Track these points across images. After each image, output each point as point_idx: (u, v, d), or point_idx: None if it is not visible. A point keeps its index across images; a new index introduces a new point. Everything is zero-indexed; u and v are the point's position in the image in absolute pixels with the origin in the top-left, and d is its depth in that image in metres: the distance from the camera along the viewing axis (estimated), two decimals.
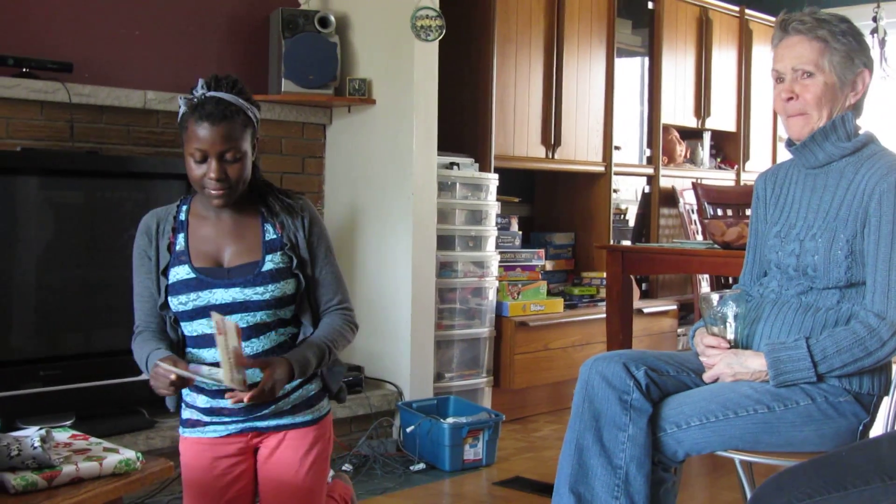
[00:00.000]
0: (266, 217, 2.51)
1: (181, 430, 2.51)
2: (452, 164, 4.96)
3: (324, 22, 4.65)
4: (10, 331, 3.69)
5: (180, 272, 2.43)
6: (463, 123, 5.27)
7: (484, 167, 5.17)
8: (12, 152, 3.79)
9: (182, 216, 2.51)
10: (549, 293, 5.49)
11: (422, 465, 4.28)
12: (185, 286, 2.42)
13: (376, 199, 4.74)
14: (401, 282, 4.62)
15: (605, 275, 4.55)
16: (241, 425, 2.46)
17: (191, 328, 2.45)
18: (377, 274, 4.73)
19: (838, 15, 2.59)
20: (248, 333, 2.40)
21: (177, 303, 2.42)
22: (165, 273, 2.45)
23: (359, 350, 4.76)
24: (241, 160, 2.37)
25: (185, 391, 2.47)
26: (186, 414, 2.50)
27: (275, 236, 2.48)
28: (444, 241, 4.84)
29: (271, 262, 2.44)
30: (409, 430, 4.38)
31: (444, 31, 4.63)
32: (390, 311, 4.67)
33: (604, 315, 4.52)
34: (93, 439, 2.06)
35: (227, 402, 2.38)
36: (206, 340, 2.41)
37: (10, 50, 3.90)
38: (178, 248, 2.47)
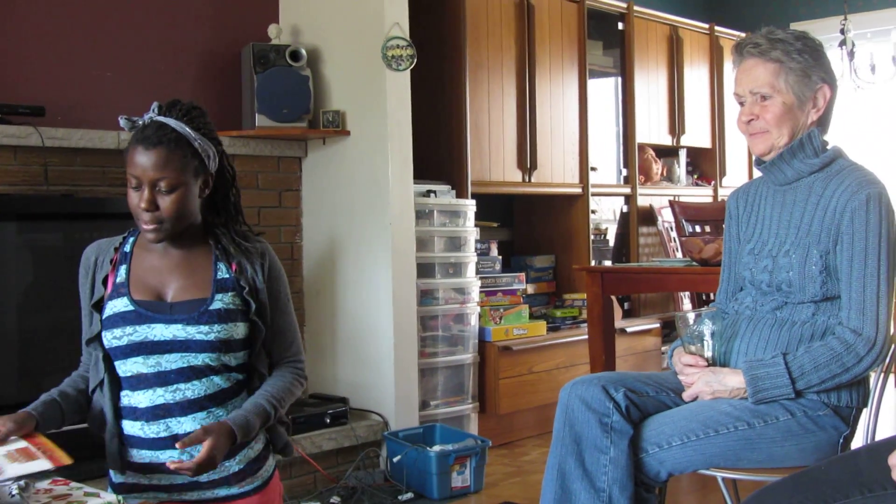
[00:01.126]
0: (219, 256, 2.33)
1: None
2: (429, 191, 4.97)
3: (295, 56, 4.67)
4: None
5: (118, 305, 2.26)
6: (438, 150, 5.29)
7: (461, 193, 5.19)
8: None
9: (127, 247, 2.35)
10: (532, 316, 5.51)
11: (410, 495, 4.27)
12: (121, 319, 2.24)
13: (355, 229, 4.75)
14: (382, 311, 4.62)
15: (586, 296, 4.57)
16: (182, 495, 2.27)
17: (125, 367, 2.26)
18: (358, 304, 4.73)
19: (796, 32, 2.62)
20: (187, 375, 2.22)
21: (111, 337, 2.24)
22: (99, 307, 2.29)
23: (343, 381, 4.77)
24: (178, 192, 2.20)
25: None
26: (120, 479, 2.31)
27: (227, 276, 2.30)
28: (424, 269, 4.84)
29: (220, 302, 2.26)
30: (395, 459, 4.37)
31: (415, 60, 4.65)
32: (373, 341, 4.67)
33: (587, 336, 4.53)
34: (73, 484, 2.06)
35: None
36: (142, 381, 2.24)
37: None
38: (118, 279, 2.31)
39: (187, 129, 2.22)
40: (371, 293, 4.67)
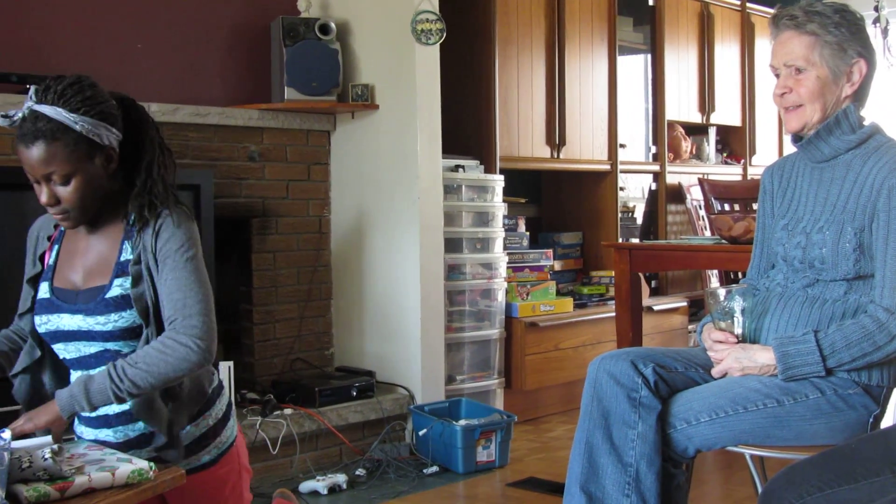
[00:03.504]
0: (128, 234, 2.19)
1: None
2: (458, 166, 4.96)
3: (324, 29, 4.66)
4: None
5: (43, 289, 2.22)
6: (467, 125, 5.27)
7: (489, 169, 5.17)
8: (20, 168, 3.79)
9: (63, 226, 2.26)
10: (559, 293, 5.49)
11: (435, 468, 4.28)
12: (41, 306, 2.21)
13: (383, 203, 4.75)
14: (409, 285, 4.63)
15: (613, 273, 4.54)
16: None
17: (56, 351, 2.23)
18: (386, 278, 4.74)
19: (836, 5, 2.58)
20: (106, 358, 2.14)
21: (38, 323, 2.20)
22: (33, 284, 2.26)
23: (369, 355, 4.78)
24: (75, 181, 2.08)
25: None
26: None
27: (130, 256, 2.16)
28: (452, 244, 4.84)
29: (119, 288, 2.14)
30: (421, 433, 4.38)
31: (444, 35, 4.63)
32: (400, 315, 4.68)
33: (614, 314, 4.52)
34: (107, 450, 2.06)
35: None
36: (70, 364, 2.20)
37: (12, 67, 3.91)
38: (50, 260, 2.26)
39: (63, 113, 2.05)
40: (399, 267, 4.67)
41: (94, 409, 2.07)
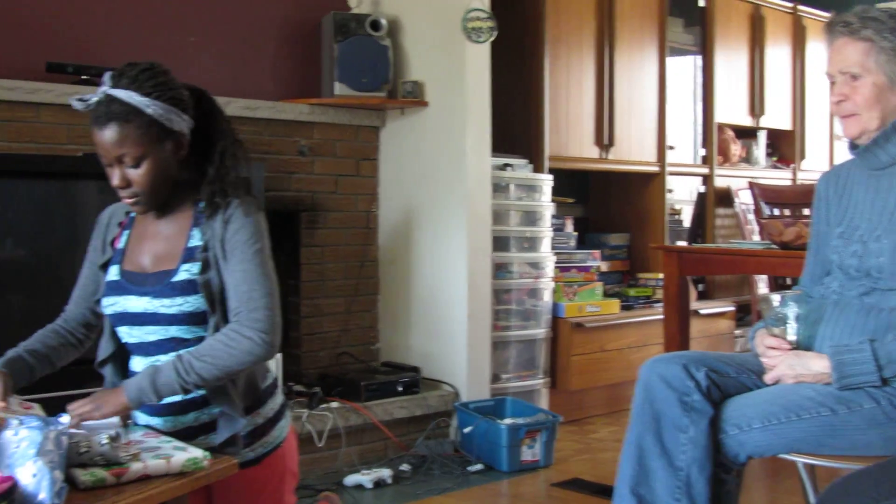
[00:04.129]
0: (197, 221, 2.21)
1: None
2: (506, 165, 4.95)
3: (375, 25, 4.67)
4: None
5: (112, 272, 2.25)
6: (516, 124, 5.26)
7: (538, 168, 5.16)
8: (74, 157, 3.86)
9: (133, 213, 2.29)
10: (605, 294, 5.47)
11: (479, 466, 4.28)
12: (110, 288, 2.24)
13: (431, 200, 4.76)
14: (457, 283, 4.63)
15: (660, 276, 4.52)
16: None
17: (121, 334, 2.26)
18: (433, 275, 4.75)
19: (890, 10, 2.53)
20: (165, 347, 2.18)
21: (105, 304, 2.24)
22: (105, 269, 2.28)
23: (415, 351, 4.79)
24: (146, 164, 2.11)
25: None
26: None
27: (199, 243, 2.19)
28: (500, 243, 4.83)
29: (186, 273, 2.16)
30: (466, 430, 4.39)
31: (495, 33, 4.63)
32: (446, 312, 4.68)
33: (660, 316, 4.49)
34: (163, 437, 2.08)
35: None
36: (133, 350, 2.24)
37: (69, 58, 3.96)
38: (120, 245, 2.29)
39: (136, 97, 2.08)
40: (446, 264, 4.68)
41: (160, 399, 2.10)
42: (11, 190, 3.79)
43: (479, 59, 4.67)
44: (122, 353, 2.30)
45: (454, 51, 4.67)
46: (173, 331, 2.17)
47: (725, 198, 6.34)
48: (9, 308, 3.82)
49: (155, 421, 2.21)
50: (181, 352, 2.11)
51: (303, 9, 4.76)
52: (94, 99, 2.11)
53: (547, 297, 5.03)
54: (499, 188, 4.85)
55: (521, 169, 5.03)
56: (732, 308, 6.06)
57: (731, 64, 6.43)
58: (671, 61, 6.00)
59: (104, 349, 2.31)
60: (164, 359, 2.16)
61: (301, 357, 4.68)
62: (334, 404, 4.27)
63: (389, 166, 4.94)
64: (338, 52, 4.59)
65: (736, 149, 6.53)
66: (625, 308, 5.49)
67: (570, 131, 5.40)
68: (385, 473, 4.07)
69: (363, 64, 4.63)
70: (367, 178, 4.92)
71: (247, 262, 2.15)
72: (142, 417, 2.23)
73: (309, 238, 4.69)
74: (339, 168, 4.81)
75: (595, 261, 5.47)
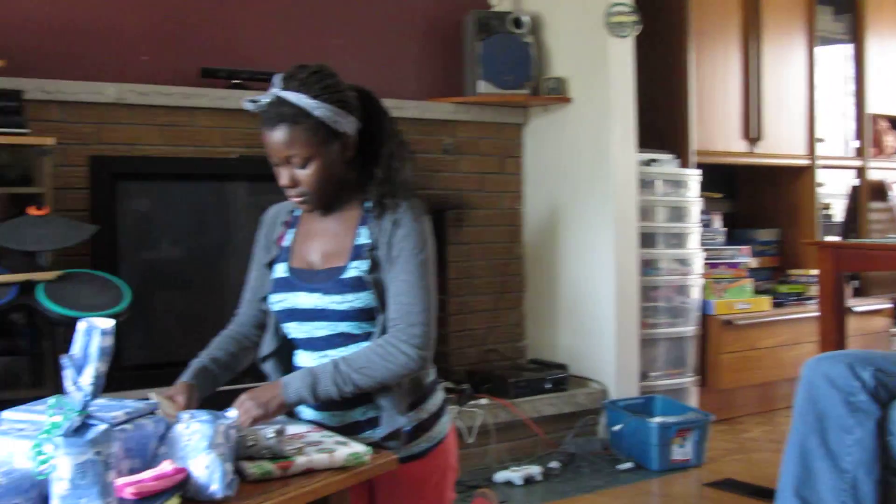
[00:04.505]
0: (365, 220, 2.23)
1: None
2: (652, 160, 4.89)
3: (517, 23, 4.67)
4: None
5: (279, 269, 2.28)
6: (661, 119, 5.18)
7: (684, 163, 5.07)
8: (228, 159, 3.95)
9: (298, 212, 2.33)
10: (755, 291, 5.34)
11: (629, 464, 4.23)
12: (278, 285, 2.27)
13: (576, 197, 4.72)
14: (604, 280, 4.59)
15: (813, 272, 4.39)
16: None
17: (287, 330, 2.29)
18: (579, 272, 4.71)
19: None
20: (334, 342, 2.21)
21: (273, 301, 2.27)
22: (270, 267, 2.31)
23: (562, 348, 4.76)
24: (313, 165, 2.13)
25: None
26: None
27: (367, 241, 2.20)
28: (647, 239, 4.77)
29: (356, 270, 2.17)
30: (615, 428, 4.34)
31: (639, 27, 4.57)
32: (594, 309, 4.64)
33: (813, 314, 4.37)
34: (325, 432, 2.11)
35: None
36: (300, 345, 2.27)
37: (222, 63, 4.07)
38: (285, 243, 2.32)
39: (304, 99, 2.10)
40: (593, 261, 4.64)
41: (317, 402, 2.15)
42: (170, 192, 3.91)
43: (622, 54, 4.62)
44: (285, 349, 2.34)
45: (597, 46, 4.63)
46: (343, 326, 2.19)
47: (879, 191, 6.12)
48: (166, 306, 3.94)
49: (322, 416, 2.24)
50: (338, 359, 2.14)
51: (445, 8, 4.78)
52: (265, 100, 2.14)
53: (695, 294, 4.93)
54: (645, 184, 4.78)
55: (667, 164, 4.95)
56: (889, 305, 5.84)
57: (885, 52, 6.20)
58: (820, 51, 5.82)
59: (268, 345, 2.35)
60: (332, 353, 2.19)
61: (449, 354, 4.70)
62: (483, 401, 4.28)
63: (533, 163, 4.93)
64: (480, 50, 4.60)
65: (890, 140, 6.29)
66: (776, 305, 5.34)
67: (716, 125, 5.29)
68: (535, 470, 4.06)
69: (506, 62, 4.63)
70: (512, 176, 4.92)
71: (410, 272, 2.16)
72: (307, 412, 2.26)
73: (455, 236, 4.71)
74: (483, 166, 4.81)
75: (744, 257, 5.34)
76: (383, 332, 2.17)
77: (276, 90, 2.13)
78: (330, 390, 2.11)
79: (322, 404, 2.20)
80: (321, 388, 2.11)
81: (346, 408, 2.21)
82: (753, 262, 5.55)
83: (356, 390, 2.13)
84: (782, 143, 5.59)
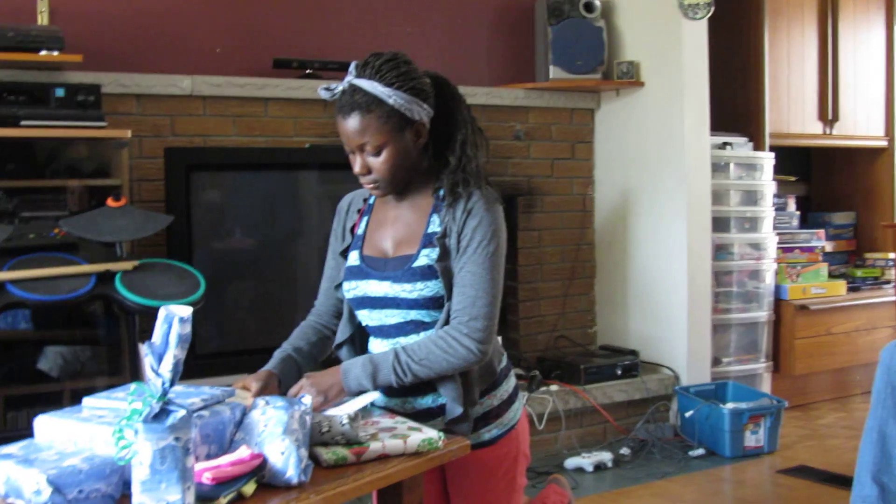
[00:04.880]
0: (437, 207, 2.23)
1: None
2: (725, 143, 4.84)
3: (589, 7, 4.65)
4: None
5: (352, 257, 2.30)
6: (735, 101, 5.13)
7: (758, 146, 5.02)
8: (301, 149, 4.01)
9: (372, 199, 2.34)
10: (830, 275, 5.27)
11: (701, 451, 4.22)
12: (351, 273, 2.28)
13: (648, 182, 4.70)
14: (676, 265, 4.57)
15: (891, 255, 4.32)
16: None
17: (360, 317, 2.30)
18: (651, 257, 4.70)
19: None
20: (405, 330, 2.22)
21: (346, 288, 2.28)
22: (344, 255, 2.33)
23: (633, 334, 4.75)
24: (386, 153, 2.15)
25: None
26: None
27: (438, 229, 2.20)
28: (719, 223, 4.74)
29: (426, 258, 2.18)
30: (687, 414, 4.32)
31: (712, 9, 4.51)
32: (665, 295, 4.63)
33: (890, 298, 4.31)
34: (398, 418, 2.14)
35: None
36: (372, 332, 2.28)
37: (294, 53, 4.12)
38: (359, 231, 2.33)
39: (379, 87, 2.11)
40: (664, 246, 4.62)
41: (376, 389, 2.18)
42: (242, 182, 3.98)
43: (696, 36, 4.58)
44: (360, 336, 2.37)
45: (670, 29, 4.59)
46: (413, 314, 2.21)
47: None
48: (239, 294, 4.01)
49: (393, 402, 2.27)
50: (399, 348, 2.16)
51: None
52: (339, 88, 2.15)
53: (769, 278, 4.89)
54: (718, 167, 4.75)
55: (740, 147, 4.91)
56: None
57: None
58: None
59: (342, 332, 2.37)
60: (403, 341, 2.22)
61: (519, 340, 4.72)
62: (553, 387, 4.29)
63: (605, 148, 4.91)
64: (551, 35, 4.59)
65: None
66: (851, 289, 5.26)
67: (791, 107, 5.22)
68: (605, 457, 4.07)
69: (577, 46, 4.62)
70: (583, 161, 4.91)
71: (478, 264, 2.16)
72: (378, 399, 2.30)
73: (526, 222, 4.72)
74: (554, 152, 4.81)
75: (819, 241, 5.27)
76: (447, 320, 2.18)
77: (351, 78, 2.14)
78: (390, 379, 2.13)
79: (392, 391, 2.24)
80: (381, 376, 2.13)
81: (417, 394, 2.25)
82: (828, 246, 5.49)
83: (415, 380, 2.14)
84: (859, 125, 5.51)
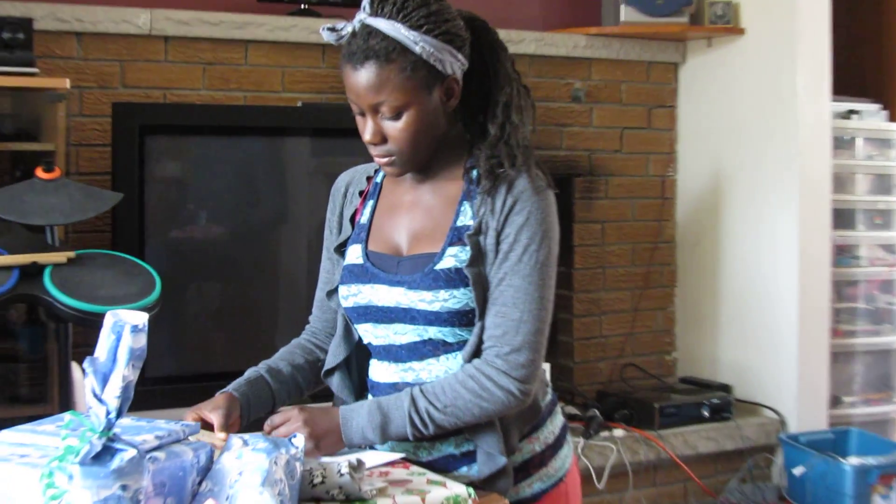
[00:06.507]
0: (469, 192, 2.17)
1: None
2: (851, 111, 4.83)
3: None
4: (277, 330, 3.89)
5: (353, 254, 2.24)
6: (864, 58, 5.14)
7: (894, 115, 5.01)
8: (291, 108, 4.00)
9: (379, 177, 2.30)
10: None
11: None
12: (351, 274, 2.22)
13: (748, 161, 4.70)
14: (782, 272, 4.56)
15: None
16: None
17: (360, 332, 2.25)
18: (750, 261, 4.70)
19: None
20: (420, 353, 2.17)
21: (344, 294, 2.23)
22: (341, 250, 2.28)
23: (725, 364, 4.75)
24: (408, 116, 2.10)
25: None
26: None
27: (470, 222, 2.14)
28: (842, 217, 4.73)
29: (453, 259, 2.12)
30: (796, 471, 4.31)
31: None
32: (768, 312, 4.62)
33: None
34: (413, 468, 2.11)
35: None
36: (377, 353, 2.23)
37: None
38: (362, 219, 2.28)
39: (402, 29, 2.05)
40: (768, 247, 4.62)
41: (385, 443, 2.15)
42: (214, 149, 3.96)
43: None
44: (358, 358, 2.32)
45: None
46: (432, 332, 2.15)
47: None
48: (204, 300, 4.01)
49: (404, 447, 2.23)
50: (416, 390, 2.11)
51: None
52: (349, 29, 2.10)
53: None
54: (840, 143, 4.74)
55: (870, 117, 4.90)
56: None
57: None
58: None
59: (334, 354, 2.32)
60: (417, 366, 2.17)
61: (574, 369, 4.73)
62: (618, 432, 4.28)
63: (692, 116, 4.92)
64: None
65: None
66: None
67: None
68: None
69: None
70: (663, 133, 4.92)
71: (524, 276, 2.10)
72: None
73: (585, 212, 4.73)
74: (624, 119, 4.82)
75: None
76: (478, 344, 2.12)
77: (364, 16, 2.07)
78: (404, 430, 2.09)
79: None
80: (393, 427, 2.10)
81: (436, 437, 2.21)
82: None
83: (438, 431, 2.10)
84: None
